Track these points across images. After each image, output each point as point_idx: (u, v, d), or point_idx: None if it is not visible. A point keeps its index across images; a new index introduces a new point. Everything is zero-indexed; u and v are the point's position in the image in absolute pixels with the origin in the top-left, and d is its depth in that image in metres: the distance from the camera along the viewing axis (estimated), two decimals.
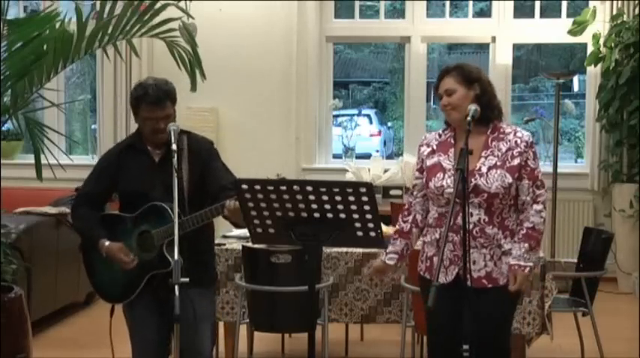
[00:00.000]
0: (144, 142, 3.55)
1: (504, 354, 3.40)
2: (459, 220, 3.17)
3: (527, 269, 3.26)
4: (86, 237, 3.62)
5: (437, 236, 3.34)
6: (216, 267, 3.84)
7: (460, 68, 3.35)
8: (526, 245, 3.27)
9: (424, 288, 3.41)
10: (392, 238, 3.49)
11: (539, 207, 3.31)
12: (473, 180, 3.23)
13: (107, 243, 3.49)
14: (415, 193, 3.48)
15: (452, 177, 3.28)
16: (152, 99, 3.42)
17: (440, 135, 3.44)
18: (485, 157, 3.30)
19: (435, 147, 3.41)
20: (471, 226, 3.21)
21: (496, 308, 3.30)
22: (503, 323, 3.41)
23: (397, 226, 3.51)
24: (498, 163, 3.27)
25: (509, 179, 3.25)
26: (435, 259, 3.33)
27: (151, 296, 3.50)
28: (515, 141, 3.30)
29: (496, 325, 3.33)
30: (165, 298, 3.40)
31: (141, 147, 3.56)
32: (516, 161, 3.28)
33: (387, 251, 3.48)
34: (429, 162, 3.39)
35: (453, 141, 3.38)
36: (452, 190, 3.22)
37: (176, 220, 3.18)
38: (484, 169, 3.27)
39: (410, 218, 3.47)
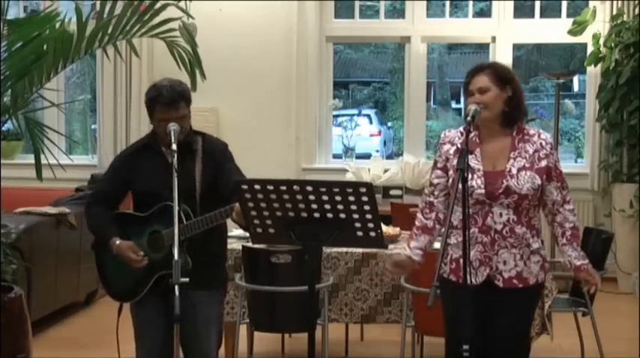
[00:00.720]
0: (159, 143, 3.56)
1: (527, 351, 3.43)
2: (488, 221, 3.21)
3: (591, 265, 3.37)
4: (98, 235, 3.62)
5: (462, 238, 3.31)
6: (227, 270, 3.82)
7: (495, 67, 3.33)
8: (576, 244, 3.35)
9: (449, 291, 3.22)
10: (414, 234, 3.43)
11: (571, 206, 3.37)
12: (504, 181, 3.23)
13: (118, 241, 3.50)
14: (437, 193, 3.41)
15: (482, 178, 3.26)
16: (166, 101, 3.43)
17: (462, 134, 3.36)
18: (514, 159, 3.29)
19: (459, 146, 3.33)
20: (500, 226, 3.24)
21: (525, 307, 3.34)
22: (529, 322, 3.46)
23: (418, 223, 3.43)
24: (527, 165, 3.28)
25: (538, 181, 3.27)
26: (461, 261, 3.21)
27: (159, 296, 3.49)
28: (541, 144, 3.32)
29: (523, 324, 3.37)
30: (173, 298, 3.41)
31: (156, 148, 3.57)
32: (544, 163, 3.30)
33: (411, 246, 3.41)
34: (455, 162, 3.30)
35: (478, 141, 3.35)
36: (482, 191, 3.23)
37: (176, 220, 3.17)
38: (514, 171, 3.26)
39: (432, 215, 3.41)
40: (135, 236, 3.52)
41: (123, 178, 3.60)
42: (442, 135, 3.46)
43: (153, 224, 3.50)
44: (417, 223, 3.45)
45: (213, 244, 3.56)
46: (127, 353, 3.69)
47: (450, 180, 3.35)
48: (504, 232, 3.25)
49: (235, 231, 4.69)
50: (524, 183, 3.24)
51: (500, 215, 3.23)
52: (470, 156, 3.29)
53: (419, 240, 3.41)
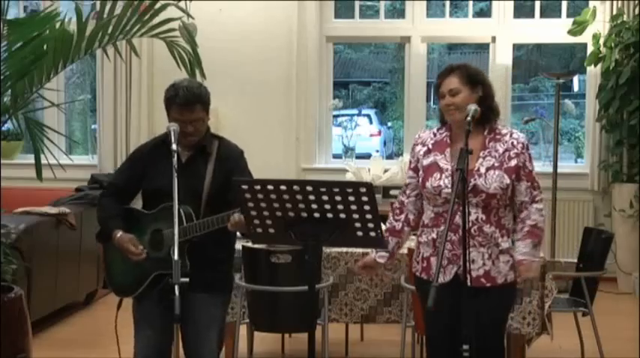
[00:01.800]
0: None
1: (500, 353, 3.42)
2: (457, 219, 3.18)
3: (536, 263, 3.33)
4: (103, 226, 3.63)
5: (434, 236, 3.35)
6: (233, 276, 3.80)
7: (465, 68, 3.34)
8: (529, 241, 3.31)
9: (420, 288, 3.44)
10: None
11: (539, 206, 3.35)
12: (472, 180, 3.24)
13: (119, 233, 3.51)
14: (408, 192, 3.48)
15: (449, 178, 3.28)
16: (181, 101, 3.43)
17: (435, 134, 3.43)
18: (483, 158, 3.30)
19: (430, 147, 3.40)
20: (469, 225, 3.22)
21: (495, 307, 3.32)
22: (501, 323, 3.43)
23: (388, 225, 3.50)
24: (496, 164, 3.29)
25: (507, 180, 3.27)
26: (432, 259, 3.34)
27: (157, 295, 3.50)
28: (512, 143, 3.32)
29: (494, 324, 3.35)
30: (173, 299, 3.40)
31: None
32: (513, 162, 3.30)
33: (377, 249, 3.47)
34: (425, 162, 3.38)
35: (449, 141, 3.38)
36: (449, 190, 3.24)
37: (176, 221, 3.17)
38: (482, 170, 3.28)
39: (402, 216, 3.48)
40: (138, 232, 3.53)
41: (137, 173, 3.61)
42: (416, 136, 3.50)
43: (156, 222, 3.50)
44: (387, 225, 3.50)
45: (218, 250, 3.53)
46: (127, 354, 3.68)
47: (420, 180, 3.38)
48: (472, 231, 3.26)
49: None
50: (491, 182, 3.25)
51: (469, 214, 3.23)
52: (439, 157, 3.34)
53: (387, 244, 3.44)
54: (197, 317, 3.48)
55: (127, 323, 3.63)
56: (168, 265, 3.36)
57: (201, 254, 3.42)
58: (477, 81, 3.33)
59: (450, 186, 3.26)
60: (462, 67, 3.35)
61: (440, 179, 3.30)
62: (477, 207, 3.26)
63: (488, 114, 3.34)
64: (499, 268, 3.30)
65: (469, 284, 3.14)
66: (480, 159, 3.30)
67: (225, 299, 3.72)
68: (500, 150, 3.31)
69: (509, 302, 3.50)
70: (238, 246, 4.53)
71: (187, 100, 3.43)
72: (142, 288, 3.52)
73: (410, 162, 3.50)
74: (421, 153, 3.42)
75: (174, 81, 3.57)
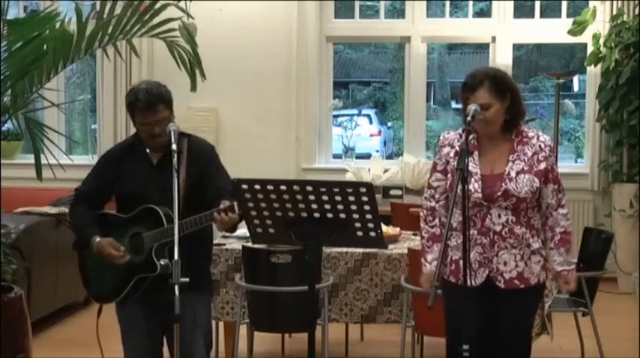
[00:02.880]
0: (143, 144, 3.53)
1: (527, 354, 3.43)
2: (487, 223, 3.21)
3: (572, 273, 3.37)
4: (80, 234, 3.60)
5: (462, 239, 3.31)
6: (211, 273, 3.79)
7: (493, 78, 3.24)
8: (563, 249, 3.34)
9: (450, 292, 3.31)
10: (426, 246, 3.42)
11: (564, 210, 3.36)
12: (503, 184, 3.23)
13: (98, 238, 3.47)
14: (437, 196, 3.42)
15: (479, 181, 3.26)
16: (143, 105, 3.39)
17: (460, 136, 3.36)
18: (513, 161, 3.28)
19: (458, 149, 3.34)
20: (500, 228, 3.24)
21: (527, 307, 3.35)
22: (531, 323, 3.47)
23: (426, 233, 3.43)
24: (526, 168, 3.27)
25: (537, 183, 3.26)
26: (461, 263, 3.23)
27: (140, 299, 3.48)
28: (540, 146, 3.31)
29: (525, 325, 3.38)
30: (156, 302, 3.40)
31: (140, 149, 3.54)
32: (543, 165, 3.29)
33: (429, 260, 3.40)
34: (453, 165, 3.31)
35: (476, 144, 3.34)
36: (479, 194, 3.23)
37: (176, 220, 3.15)
38: (513, 174, 3.26)
39: (437, 221, 3.41)
40: (116, 237, 3.49)
41: (108, 178, 3.57)
42: (441, 137, 3.45)
43: (135, 226, 3.46)
44: (424, 234, 3.45)
45: (197, 248, 3.49)
46: (117, 353, 3.68)
47: (448, 182, 3.35)
48: (503, 233, 3.25)
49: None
50: (522, 186, 3.24)
51: (499, 216, 3.23)
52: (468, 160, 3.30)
53: (433, 251, 3.40)
54: (183, 320, 3.44)
55: (110, 327, 3.62)
56: (150, 268, 3.36)
57: (181, 253, 3.37)
58: (505, 89, 3.25)
59: (480, 190, 3.24)
60: (489, 77, 3.24)
61: (469, 183, 3.21)
62: (506, 209, 3.24)
63: (516, 119, 3.31)
64: (532, 269, 3.30)
65: (469, 284, 3.11)
66: (510, 163, 3.27)
67: (209, 299, 3.71)
68: (529, 154, 3.29)
69: (538, 302, 3.55)
70: (238, 245, 4.55)
71: (149, 102, 3.39)
72: (124, 293, 3.48)
73: (435, 164, 3.42)
74: (451, 154, 3.35)
75: (132, 85, 3.55)
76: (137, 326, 3.54)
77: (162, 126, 3.41)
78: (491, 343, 3.25)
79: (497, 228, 3.23)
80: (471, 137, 3.33)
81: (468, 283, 3.05)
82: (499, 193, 3.20)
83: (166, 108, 3.45)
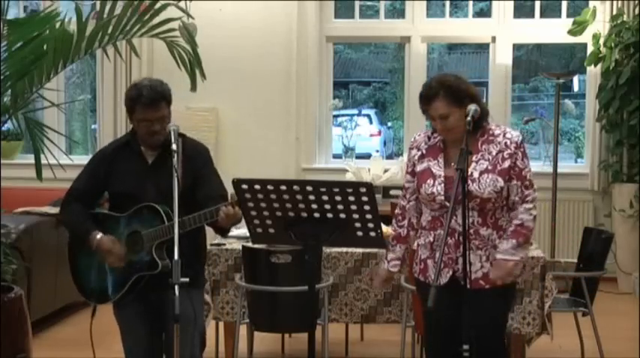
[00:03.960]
0: (139, 143, 3.51)
1: (501, 354, 3.41)
2: (453, 223, 3.18)
3: (512, 263, 3.25)
4: (76, 231, 3.56)
5: (431, 239, 3.34)
6: (204, 270, 3.75)
7: (448, 88, 3.22)
8: (513, 241, 3.27)
9: (420, 290, 3.46)
10: (390, 244, 3.47)
11: (529, 206, 3.30)
12: (465, 185, 3.21)
13: (99, 235, 3.43)
14: (408, 196, 3.47)
15: (442, 184, 3.27)
16: (147, 101, 3.38)
17: (429, 138, 3.40)
18: (477, 162, 3.27)
19: (424, 152, 3.38)
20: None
21: (493, 307, 3.31)
22: (501, 323, 3.43)
23: (393, 231, 3.49)
24: (489, 167, 3.26)
25: (500, 183, 3.25)
26: (429, 262, 3.35)
27: (138, 299, 3.46)
28: (505, 143, 3.29)
29: (494, 325, 3.34)
30: (155, 301, 3.39)
31: (135, 148, 3.52)
32: (507, 163, 3.27)
33: (388, 258, 3.46)
34: (419, 168, 3.37)
35: (442, 146, 3.36)
36: (442, 197, 3.24)
37: (176, 220, 3.15)
38: (476, 174, 3.25)
39: (405, 222, 3.47)
40: (112, 235, 3.47)
41: (101, 176, 3.54)
42: (412, 139, 3.48)
43: (132, 224, 3.44)
44: (392, 232, 3.50)
45: (190, 243, 3.44)
46: (118, 353, 3.68)
47: (415, 184, 3.38)
48: (469, 234, 3.21)
49: (235, 230, 4.68)
50: (485, 186, 3.23)
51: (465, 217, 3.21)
52: (432, 163, 3.32)
53: (395, 251, 3.47)
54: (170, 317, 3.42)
55: (108, 326, 3.60)
56: (150, 266, 3.34)
57: (172, 248, 3.33)
58: (462, 97, 3.22)
59: (442, 192, 3.25)
60: (444, 87, 3.23)
61: (433, 186, 3.28)
62: (472, 210, 3.23)
63: (480, 120, 3.27)
64: None
65: (468, 286, 3.13)
66: (474, 164, 3.26)
67: (201, 295, 3.69)
68: (494, 152, 3.28)
69: (509, 303, 3.49)
70: (238, 245, 4.55)
71: (152, 99, 3.38)
72: (123, 292, 3.46)
73: (407, 165, 3.48)
74: (416, 157, 3.40)
75: (135, 82, 3.53)
76: (134, 324, 3.52)
77: (161, 123, 3.41)
78: (460, 342, 3.17)
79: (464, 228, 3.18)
80: (437, 140, 3.36)
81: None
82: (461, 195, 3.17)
83: (167, 106, 3.45)
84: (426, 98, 3.26)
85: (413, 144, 3.44)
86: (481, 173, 3.25)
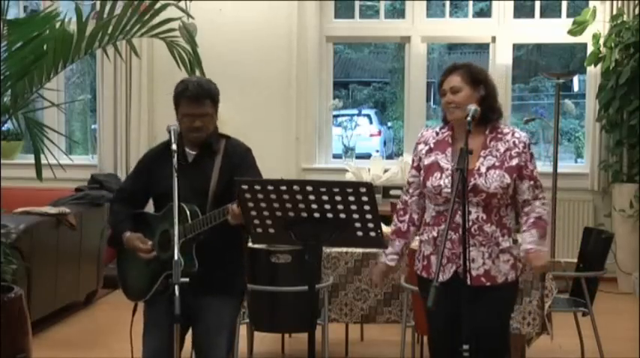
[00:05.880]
0: (183, 143, 3.53)
1: (503, 353, 3.41)
2: (458, 218, 3.17)
3: (544, 253, 3.31)
4: (114, 231, 3.64)
5: (434, 234, 3.35)
6: (244, 278, 3.73)
7: (468, 67, 3.35)
8: (535, 231, 3.30)
9: (422, 287, 3.45)
10: (390, 239, 3.48)
11: (542, 201, 3.35)
12: (472, 179, 3.23)
13: (127, 233, 3.51)
14: (411, 191, 3.49)
15: (449, 177, 3.28)
16: (191, 94, 3.42)
17: (437, 134, 3.43)
18: (484, 157, 3.30)
19: (432, 146, 3.40)
20: (469, 224, 3.22)
21: (495, 306, 3.31)
22: (502, 322, 3.42)
23: (394, 226, 3.51)
24: (497, 163, 3.28)
25: (507, 179, 3.27)
26: (433, 258, 3.35)
27: (167, 297, 3.43)
28: (514, 142, 3.32)
29: (494, 323, 3.34)
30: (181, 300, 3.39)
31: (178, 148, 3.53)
32: (515, 161, 3.29)
33: (387, 252, 3.48)
34: (426, 161, 3.38)
35: (450, 141, 3.38)
36: (449, 190, 3.24)
37: (176, 221, 3.16)
38: (483, 169, 3.27)
39: (406, 217, 3.48)
40: (149, 234, 3.52)
41: (144, 178, 3.61)
42: (419, 134, 3.50)
43: (164, 223, 3.47)
44: (392, 227, 3.51)
45: (228, 251, 3.50)
46: (124, 353, 3.68)
47: (421, 179, 3.39)
48: (473, 230, 3.25)
49: None
50: (492, 181, 3.25)
51: (470, 213, 3.22)
52: (440, 156, 3.34)
53: (394, 245, 3.47)
54: (206, 321, 3.46)
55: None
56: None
57: (209, 254, 3.39)
58: (479, 80, 3.33)
59: (450, 185, 3.26)
60: (465, 66, 3.36)
61: (440, 179, 3.30)
62: (477, 206, 3.26)
63: (489, 114, 3.33)
64: (499, 267, 3.29)
65: (469, 283, 3.13)
66: (481, 159, 3.29)
67: (236, 303, 3.65)
68: (502, 150, 3.31)
69: (511, 302, 3.48)
70: None
71: (197, 94, 3.43)
72: (154, 290, 3.49)
73: (412, 160, 3.49)
74: (423, 152, 3.42)
75: (183, 78, 3.58)
76: (158, 322, 3.49)
77: (204, 121, 3.45)
78: (464, 339, 3.17)
79: (467, 225, 3.18)
80: (445, 134, 3.39)
81: (440, 278, 3.05)
82: (468, 188, 3.18)
83: (212, 105, 3.49)
84: (448, 70, 3.37)
85: (420, 139, 3.47)
86: (488, 168, 3.27)
